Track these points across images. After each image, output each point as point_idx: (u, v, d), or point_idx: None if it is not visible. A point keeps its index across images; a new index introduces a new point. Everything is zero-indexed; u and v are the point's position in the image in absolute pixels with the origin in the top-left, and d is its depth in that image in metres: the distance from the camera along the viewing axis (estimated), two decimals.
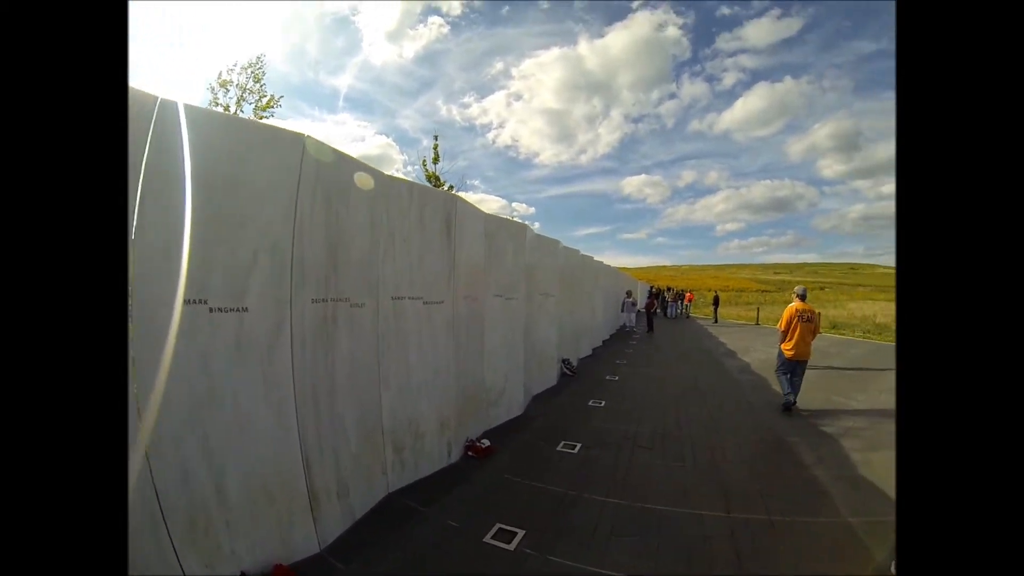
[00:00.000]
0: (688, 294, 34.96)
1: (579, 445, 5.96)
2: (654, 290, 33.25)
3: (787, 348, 7.69)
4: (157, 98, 2.71)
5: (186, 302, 2.82)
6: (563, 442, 6.07)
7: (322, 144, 3.73)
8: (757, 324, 26.76)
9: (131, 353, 2.53)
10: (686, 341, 18.64)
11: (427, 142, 17.75)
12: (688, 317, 31.45)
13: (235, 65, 15.67)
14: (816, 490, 4.73)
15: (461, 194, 20.27)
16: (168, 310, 2.74)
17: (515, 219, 8.02)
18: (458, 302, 5.54)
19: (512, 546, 3.71)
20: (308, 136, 3.56)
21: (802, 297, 7.92)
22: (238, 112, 15.09)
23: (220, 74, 15.45)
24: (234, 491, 3.06)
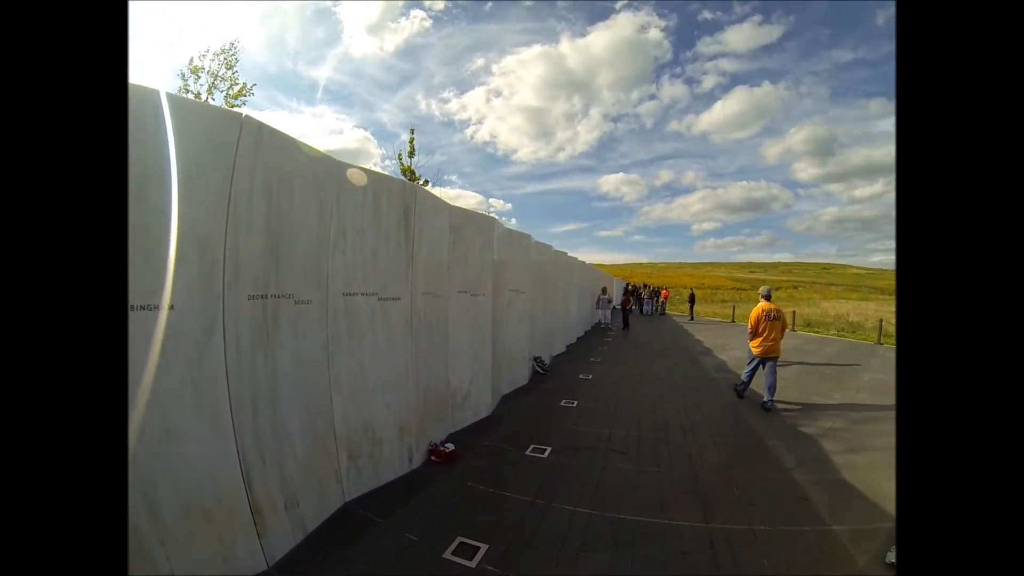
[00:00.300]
0: (664, 291, 34.83)
1: (549, 449, 5.65)
2: (630, 287, 33.14)
3: (755, 346, 8.02)
4: None
5: None
6: (532, 446, 5.75)
7: (273, 129, 3.45)
8: (733, 321, 26.68)
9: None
10: (662, 338, 18.40)
11: (405, 136, 17.61)
12: (664, 314, 31.39)
13: (207, 51, 15.30)
14: (798, 495, 4.47)
15: (437, 189, 20.17)
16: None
17: (490, 214, 7.71)
18: (417, 299, 5.22)
19: (474, 563, 3.44)
20: (246, 116, 3.25)
21: (767, 297, 8.24)
22: (209, 99, 14.72)
23: (191, 60, 15.10)
24: (166, 507, 2.76)
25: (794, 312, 23.79)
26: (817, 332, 21.38)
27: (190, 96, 13.93)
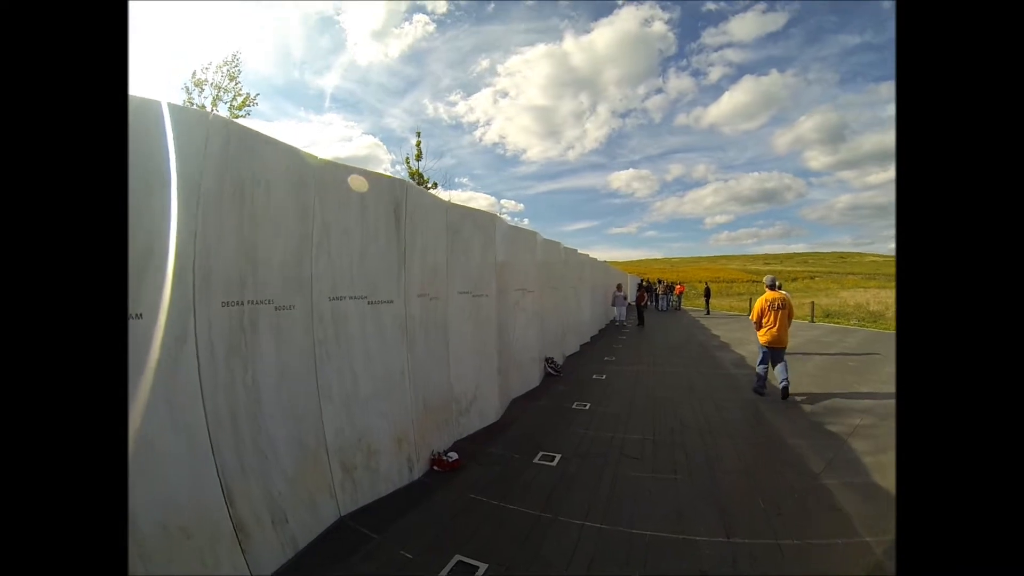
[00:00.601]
0: (678, 286, 34.30)
1: (558, 456, 5.32)
2: (644, 283, 32.70)
3: (762, 336, 7.95)
4: None
5: None
6: (541, 453, 5.43)
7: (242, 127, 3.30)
8: (749, 315, 25.90)
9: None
10: (678, 334, 17.98)
11: (414, 141, 17.49)
12: (679, 309, 30.95)
13: (210, 64, 15.46)
14: (828, 504, 4.10)
15: (448, 192, 20.09)
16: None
17: (502, 215, 7.43)
18: (411, 301, 4.94)
19: None
20: (213, 115, 3.16)
21: (771, 286, 8.16)
22: (214, 111, 14.69)
23: (194, 73, 15.24)
24: (143, 522, 2.58)
25: (812, 303, 23.36)
26: (837, 322, 20.96)
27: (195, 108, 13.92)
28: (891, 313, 21.83)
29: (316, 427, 3.89)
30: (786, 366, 7.76)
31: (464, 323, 6.17)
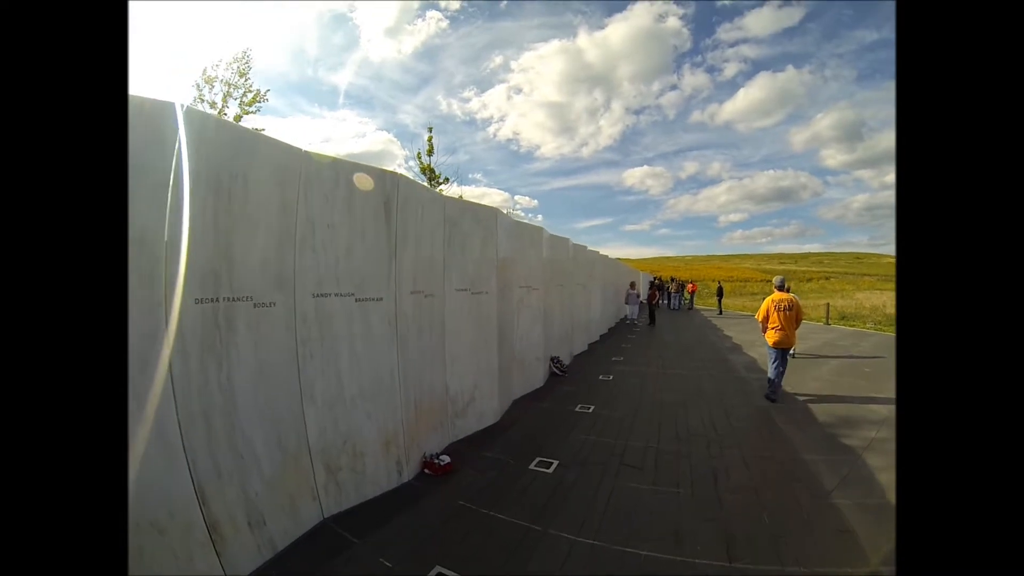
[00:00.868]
0: (691, 284, 33.82)
1: (555, 463, 5.07)
2: (656, 281, 32.34)
3: (768, 336, 7.90)
4: None
5: None
6: (538, 459, 5.20)
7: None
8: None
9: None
10: (689, 335, 17.61)
11: (432, 139, 17.50)
12: (691, 309, 30.58)
13: (220, 61, 15.41)
14: (839, 526, 3.81)
15: (461, 188, 20.05)
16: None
17: (516, 212, 7.19)
18: (403, 298, 4.73)
19: None
20: (187, 107, 2.96)
21: (780, 287, 8.14)
22: (224, 108, 14.92)
23: (205, 70, 15.17)
24: None
25: (827, 304, 22.96)
26: (852, 325, 20.55)
27: (206, 106, 14.32)
28: None
29: (297, 428, 3.77)
30: (783, 373, 7.81)
31: (462, 321, 5.94)
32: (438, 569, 3.28)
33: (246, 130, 3.31)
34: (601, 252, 18.80)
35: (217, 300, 3.16)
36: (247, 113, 15.26)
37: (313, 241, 3.88)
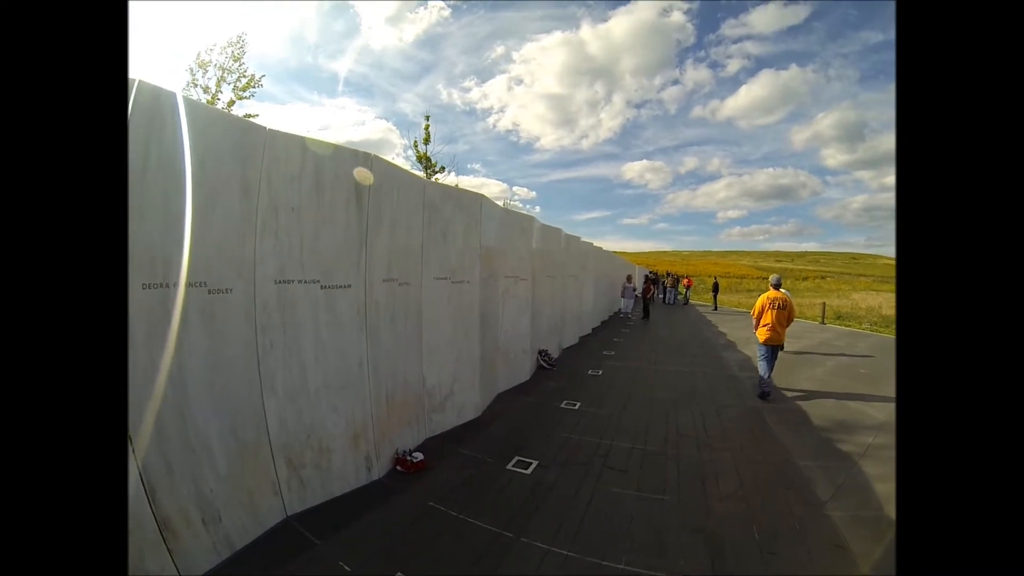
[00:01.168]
0: (686, 279, 33.56)
1: (535, 463, 4.80)
2: (651, 275, 32.10)
3: (760, 333, 7.98)
4: None
5: None
6: (517, 458, 4.93)
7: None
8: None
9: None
10: (683, 330, 17.28)
11: (430, 127, 17.34)
12: (687, 303, 30.35)
13: (215, 45, 14.95)
14: (833, 541, 3.54)
15: (459, 177, 19.92)
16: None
17: (514, 203, 6.91)
18: (375, 286, 4.46)
19: None
20: (139, 81, 2.75)
21: (776, 286, 8.20)
22: (217, 93, 14.53)
23: (199, 54, 14.71)
24: None
25: (824, 304, 22.83)
26: (848, 325, 20.36)
27: (199, 91, 14.00)
28: None
29: (257, 421, 3.55)
30: (771, 369, 7.87)
31: (441, 311, 5.65)
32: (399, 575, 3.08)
33: (204, 106, 3.06)
34: (599, 245, 18.55)
35: (167, 286, 2.94)
36: (241, 98, 14.82)
37: (276, 225, 3.63)
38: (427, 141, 17.54)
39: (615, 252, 29.71)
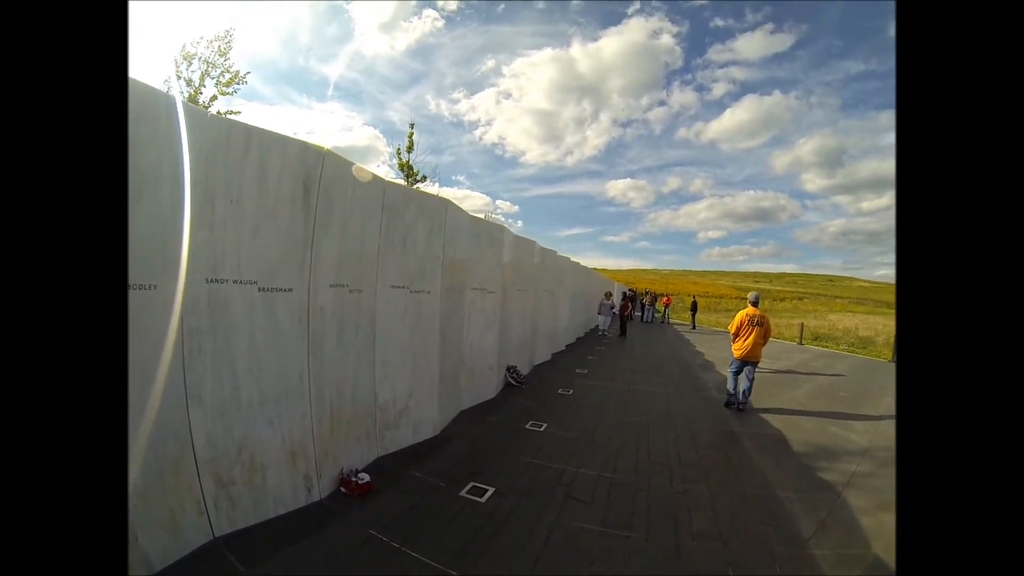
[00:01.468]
0: (665, 297, 33.37)
1: (491, 490, 4.38)
2: (629, 293, 31.87)
3: (736, 349, 8.25)
4: None
5: None
6: (472, 483, 4.50)
7: None
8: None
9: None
10: (659, 349, 17.00)
11: (414, 135, 17.17)
12: (664, 322, 30.12)
13: (201, 38, 14.46)
14: None
15: (441, 189, 19.95)
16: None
17: (496, 216, 6.52)
18: (321, 291, 4.07)
19: None
20: None
21: (754, 303, 8.42)
22: (200, 87, 14.08)
23: (184, 46, 14.25)
24: None
25: (802, 324, 22.75)
26: (826, 346, 20.34)
27: (182, 83, 13.64)
28: (881, 339, 21.92)
29: (180, 433, 3.22)
30: (750, 389, 8.05)
31: (397, 321, 5.23)
32: None
33: (132, 79, 2.66)
34: (580, 261, 18.31)
35: None
36: (224, 94, 14.44)
37: (212, 218, 3.27)
38: (410, 149, 17.38)
39: (596, 269, 29.52)
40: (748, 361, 8.06)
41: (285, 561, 3.20)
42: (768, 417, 7.62)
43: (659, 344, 18.39)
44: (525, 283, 10.11)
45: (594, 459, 5.38)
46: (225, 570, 3.18)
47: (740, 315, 8.31)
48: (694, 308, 29.06)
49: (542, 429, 6.42)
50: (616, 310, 21.66)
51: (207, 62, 14.30)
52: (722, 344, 18.03)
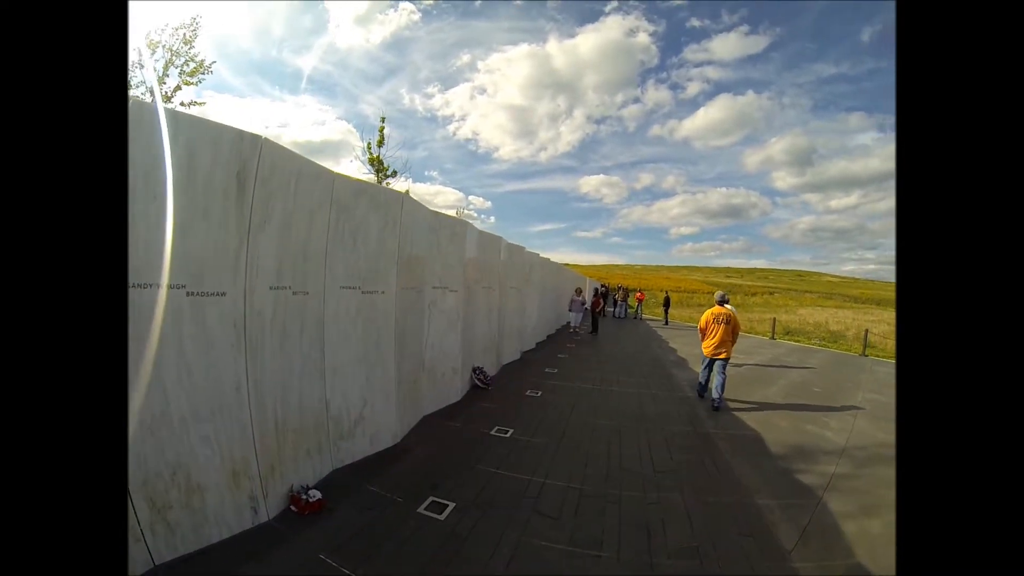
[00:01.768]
0: (638, 293, 33.26)
1: (451, 506, 4.07)
2: (601, 289, 31.74)
3: (705, 347, 8.46)
4: None
5: None
6: (431, 498, 4.19)
7: None
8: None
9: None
10: (632, 345, 16.75)
11: (388, 130, 16.84)
12: (637, 318, 29.99)
13: (166, 26, 14.00)
14: None
15: (412, 185, 19.72)
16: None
17: (468, 212, 6.19)
18: (258, 294, 3.73)
19: None
20: None
21: (720, 302, 8.57)
22: (164, 77, 13.73)
23: (148, 34, 13.73)
24: None
25: (774, 319, 22.84)
26: (798, 341, 20.40)
27: (145, 71, 13.04)
28: (851, 334, 22.40)
29: None
30: (723, 383, 8.04)
31: (348, 325, 4.89)
32: None
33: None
34: (553, 257, 18.10)
35: None
36: (188, 84, 14.04)
37: (132, 214, 2.91)
38: (381, 144, 17.36)
39: (568, 264, 29.36)
40: (716, 357, 8.22)
41: None
42: (743, 416, 7.47)
43: (631, 341, 18.17)
44: (491, 280, 9.79)
45: (562, 468, 5.08)
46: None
47: (707, 314, 8.55)
48: (667, 304, 28.97)
49: (508, 435, 6.09)
50: (587, 306, 21.47)
51: (171, 50, 13.92)
52: (695, 340, 17.89)
